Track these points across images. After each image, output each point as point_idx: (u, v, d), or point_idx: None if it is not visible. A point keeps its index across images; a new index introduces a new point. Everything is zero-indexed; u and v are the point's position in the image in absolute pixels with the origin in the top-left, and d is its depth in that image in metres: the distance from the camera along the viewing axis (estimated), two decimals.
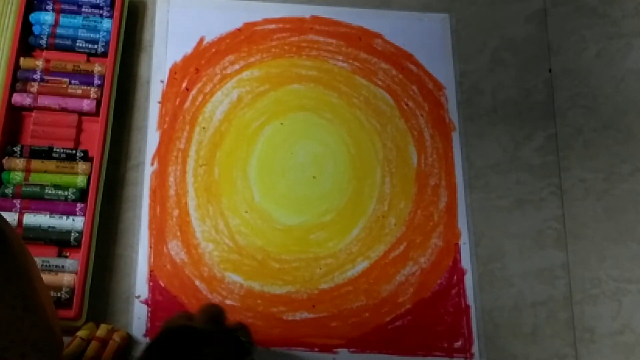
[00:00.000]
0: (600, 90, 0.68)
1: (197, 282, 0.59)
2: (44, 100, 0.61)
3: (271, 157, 0.63)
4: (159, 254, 0.59)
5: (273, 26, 0.67)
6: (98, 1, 0.64)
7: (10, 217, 0.57)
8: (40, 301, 0.42)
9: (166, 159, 0.62)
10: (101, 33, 0.63)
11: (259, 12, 0.67)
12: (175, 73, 0.65)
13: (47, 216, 0.58)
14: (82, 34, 0.63)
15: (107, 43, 0.63)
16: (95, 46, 0.63)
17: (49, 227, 0.58)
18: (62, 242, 0.57)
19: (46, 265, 0.56)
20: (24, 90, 0.61)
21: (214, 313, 0.50)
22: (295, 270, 0.60)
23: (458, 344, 0.59)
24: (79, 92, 0.62)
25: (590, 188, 0.65)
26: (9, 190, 0.58)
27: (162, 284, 0.58)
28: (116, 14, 0.64)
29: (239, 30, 0.67)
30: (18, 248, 0.40)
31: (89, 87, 0.62)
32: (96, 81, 0.62)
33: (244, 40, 0.66)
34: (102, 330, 0.56)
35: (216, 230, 0.60)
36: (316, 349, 0.58)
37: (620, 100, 0.68)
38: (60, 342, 0.45)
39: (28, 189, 0.58)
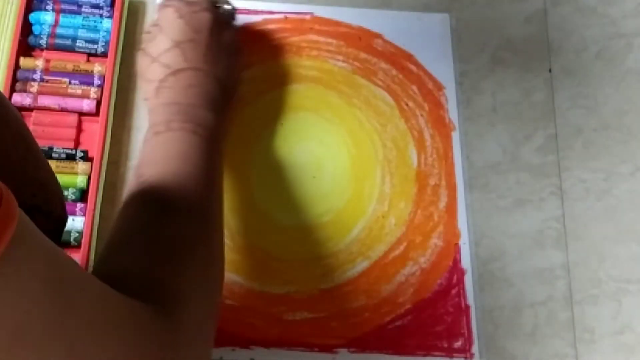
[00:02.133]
0: (600, 90, 0.68)
1: None
2: (44, 100, 0.61)
3: (271, 157, 0.63)
4: None
5: (273, 26, 0.67)
6: (98, 1, 0.64)
7: None
8: (38, 147, 0.44)
9: None
10: (101, 33, 0.63)
11: (259, 12, 0.67)
12: None
13: None
14: (82, 34, 0.63)
15: (107, 43, 0.63)
16: (95, 46, 0.63)
17: None
18: (62, 242, 0.57)
19: None
20: (24, 90, 0.61)
21: None
22: (295, 270, 0.60)
23: (458, 344, 0.59)
24: (79, 92, 0.62)
25: (590, 188, 0.65)
26: None
27: None
28: (116, 14, 0.64)
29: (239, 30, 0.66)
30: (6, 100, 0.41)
31: (89, 87, 0.62)
32: (96, 81, 0.62)
33: (244, 40, 0.66)
34: None
35: None
36: (316, 349, 0.58)
37: (620, 100, 0.68)
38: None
39: None
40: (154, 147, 0.50)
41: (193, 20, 0.55)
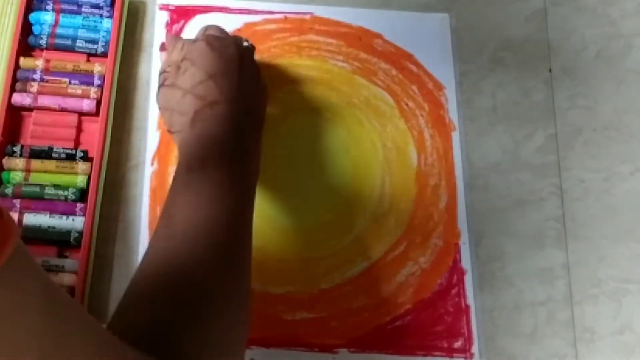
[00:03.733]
0: (600, 90, 0.68)
1: None
2: (44, 100, 0.61)
3: (271, 157, 0.63)
4: None
5: (273, 26, 0.67)
6: (98, 1, 0.64)
7: None
8: None
9: (166, 159, 0.62)
10: (101, 33, 0.63)
11: (259, 12, 0.67)
12: None
13: (47, 216, 0.58)
14: (82, 34, 0.63)
15: (107, 43, 0.63)
16: (95, 46, 0.63)
17: (49, 227, 0.57)
18: (62, 242, 0.57)
19: (46, 266, 0.56)
20: (24, 90, 0.61)
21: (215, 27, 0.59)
22: (295, 270, 0.60)
23: (458, 344, 0.59)
24: (79, 92, 0.62)
25: (590, 188, 0.65)
26: (8, 190, 0.58)
27: None
28: (116, 14, 0.64)
29: (239, 30, 0.67)
30: None
31: (89, 87, 0.62)
32: (96, 81, 0.62)
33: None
34: None
35: None
36: (316, 349, 0.58)
37: (620, 100, 0.68)
38: None
39: (28, 189, 0.58)
40: (187, 186, 0.49)
41: (225, 53, 0.55)
